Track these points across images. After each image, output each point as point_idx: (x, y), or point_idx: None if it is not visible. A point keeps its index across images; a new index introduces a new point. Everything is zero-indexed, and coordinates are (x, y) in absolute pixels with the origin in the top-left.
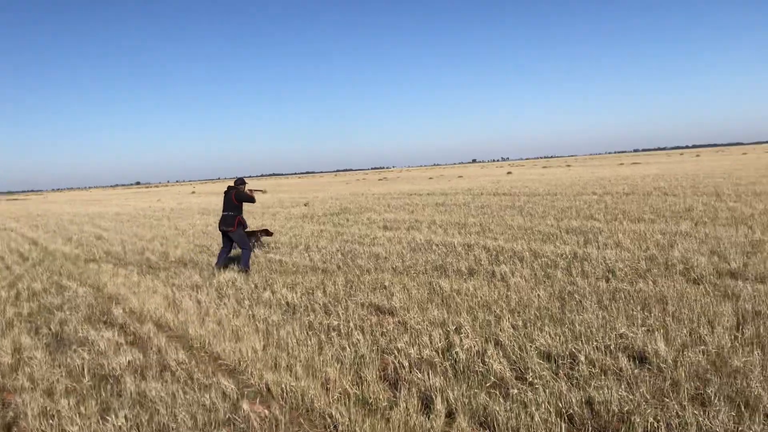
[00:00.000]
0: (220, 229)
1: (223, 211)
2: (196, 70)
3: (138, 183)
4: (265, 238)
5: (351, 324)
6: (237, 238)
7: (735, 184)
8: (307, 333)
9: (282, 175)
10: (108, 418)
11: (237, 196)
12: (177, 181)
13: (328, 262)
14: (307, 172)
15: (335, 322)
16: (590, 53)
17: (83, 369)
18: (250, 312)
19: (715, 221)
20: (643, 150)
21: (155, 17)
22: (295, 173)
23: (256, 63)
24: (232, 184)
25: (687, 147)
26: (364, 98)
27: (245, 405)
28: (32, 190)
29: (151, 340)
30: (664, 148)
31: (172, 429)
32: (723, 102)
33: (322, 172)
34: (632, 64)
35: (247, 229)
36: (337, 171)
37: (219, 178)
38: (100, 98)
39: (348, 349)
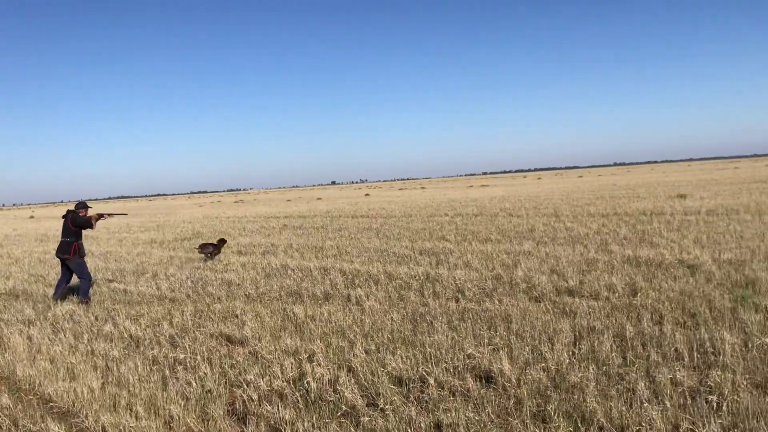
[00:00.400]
0: (57, 257)
1: (62, 237)
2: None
3: None
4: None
5: (198, 357)
6: (74, 266)
7: (572, 205)
8: (151, 368)
9: (131, 197)
10: None
11: (74, 221)
12: (14, 205)
13: (176, 290)
14: (159, 195)
15: (182, 356)
16: (442, 79)
17: None
18: (89, 347)
19: (554, 241)
20: (491, 173)
21: None
22: (146, 195)
23: (90, 82)
24: (72, 207)
25: (530, 170)
26: (222, 117)
27: None
28: None
29: None
30: (510, 171)
31: None
32: (560, 128)
33: (174, 194)
34: (477, 92)
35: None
36: (191, 193)
37: (62, 201)
38: None
39: (194, 383)
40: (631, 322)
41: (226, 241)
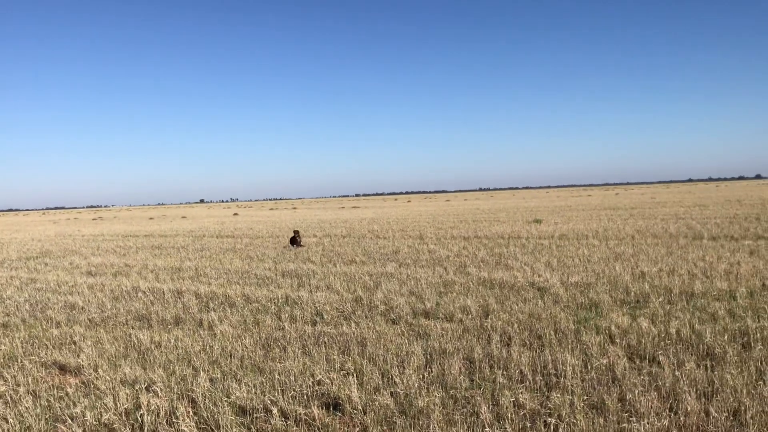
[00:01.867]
0: None
1: None
2: None
3: None
4: None
5: (22, 389)
6: None
7: (437, 228)
8: None
9: None
10: None
11: None
12: None
13: (11, 314)
14: (9, 210)
15: (2, 388)
16: (314, 98)
17: None
18: None
19: (417, 263)
20: (364, 195)
21: None
22: None
23: None
24: None
25: (402, 193)
26: (77, 121)
27: None
28: None
29: None
30: (381, 194)
31: None
32: (429, 153)
33: (28, 209)
34: (350, 113)
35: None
36: (47, 209)
37: None
38: None
39: (11, 419)
40: (481, 344)
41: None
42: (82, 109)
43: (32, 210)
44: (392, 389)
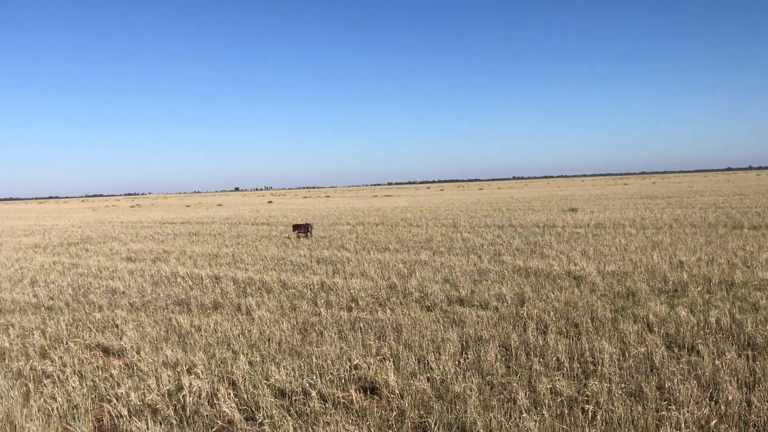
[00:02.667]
0: None
1: None
2: None
3: None
4: None
5: (69, 369)
6: None
7: (471, 216)
8: (14, 382)
9: (18, 199)
10: None
11: None
12: None
13: (55, 298)
14: (51, 197)
15: (50, 368)
16: (346, 89)
17: None
18: None
19: (450, 251)
20: (397, 183)
21: None
22: (36, 198)
23: None
24: None
25: (434, 182)
26: (116, 114)
27: None
28: None
29: None
30: (414, 182)
31: None
32: (463, 142)
33: (68, 197)
34: (384, 102)
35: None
36: (86, 196)
37: None
38: None
39: (59, 398)
40: (517, 331)
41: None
42: (120, 101)
43: (72, 197)
44: (428, 374)
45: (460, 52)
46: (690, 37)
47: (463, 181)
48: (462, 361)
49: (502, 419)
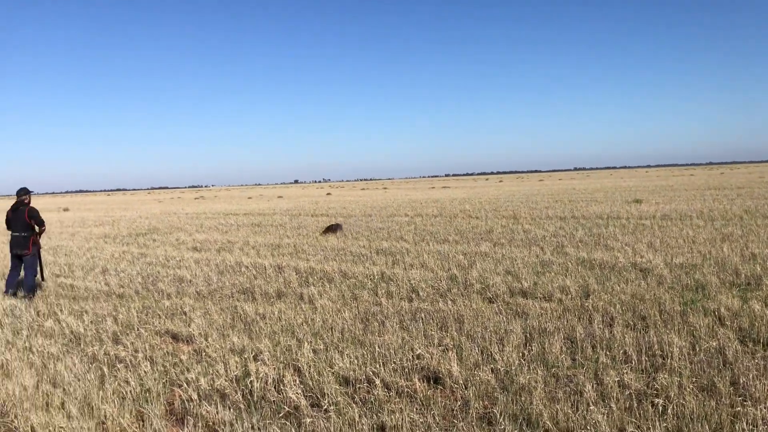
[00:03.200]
0: (12, 252)
1: (14, 231)
2: None
3: None
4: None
5: (140, 354)
6: (30, 260)
7: (531, 208)
8: (89, 366)
9: (89, 191)
10: None
11: (30, 215)
12: None
13: (125, 286)
14: (118, 189)
15: (123, 353)
16: (404, 84)
17: None
18: (27, 344)
19: (511, 242)
20: (454, 175)
21: None
22: (105, 190)
23: (46, 67)
24: (16, 199)
25: (492, 173)
26: (179, 111)
27: None
28: None
29: None
30: (472, 174)
31: None
32: (523, 133)
33: (135, 189)
34: (442, 94)
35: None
36: (152, 188)
37: (8, 195)
38: None
39: (132, 382)
40: (582, 324)
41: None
42: (184, 96)
43: (139, 189)
44: (492, 366)
45: (522, 41)
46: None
47: (522, 172)
48: (526, 353)
49: (569, 411)
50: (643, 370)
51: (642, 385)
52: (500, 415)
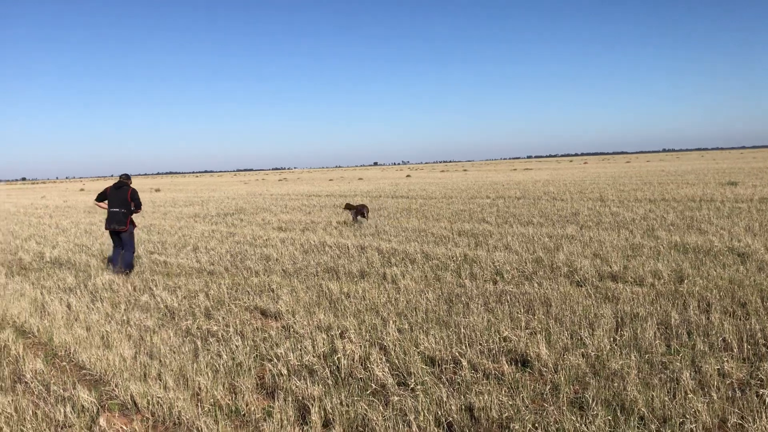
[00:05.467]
0: (108, 228)
1: (112, 207)
2: (86, 66)
3: (24, 179)
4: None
5: (231, 329)
6: (127, 237)
7: (619, 190)
8: (184, 339)
9: (178, 173)
10: None
11: (132, 196)
12: (66, 178)
13: (215, 263)
14: (206, 171)
15: (215, 328)
16: (485, 63)
17: None
18: (125, 317)
19: (599, 225)
20: (536, 156)
21: None
22: (193, 172)
23: (151, 60)
24: (117, 180)
25: (576, 154)
26: (266, 97)
27: (102, 420)
28: None
29: (8, 349)
30: (555, 155)
31: None
32: (610, 113)
33: (221, 171)
34: (524, 73)
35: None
36: (237, 171)
37: (112, 175)
38: None
39: (224, 356)
40: (677, 309)
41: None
42: (267, 80)
43: (224, 171)
44: (582, 350)
45: (610, 21)
46: None
47: (607, 154)
48: (617, 337)
49: (665, 398)
50: (744, 359)
51: (745, 375)
52: (592, 400)
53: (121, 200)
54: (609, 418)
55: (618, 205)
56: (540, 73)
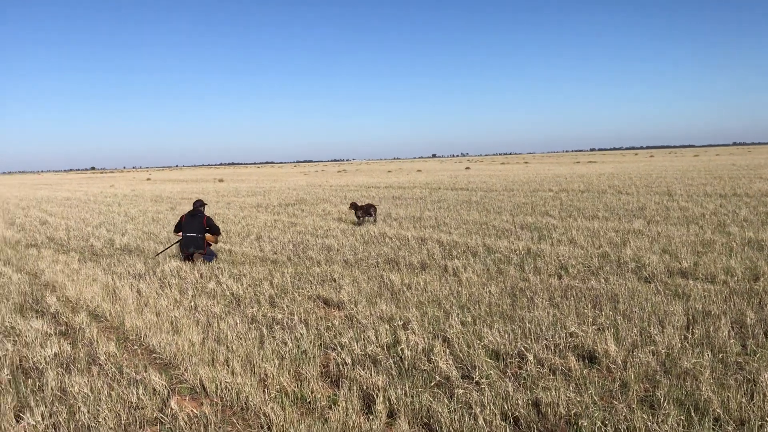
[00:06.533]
0: (186, 252)
1: (188, 232)
2: (155, 57)
3: (93, 168)
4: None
5: (296, 317)
6: (206, 257)
7: (687, 184)
8: (249, 326)
9: (241, 164)
10: (23, 415)
11: (209, 222)
12: (133, 167)
13: (278, 252)
14: (267, 162)
15: (280, 315)
16: (549, 54)
17: (4, 362)
18: (192, 303)
19: (667, 220)
20: (600, 149)
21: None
22: (255, 163)
23: (213, 55)
24: (193, 203)
25: (641, 147)
26: (326, 90)
27: (174, 403)
28: None
29: (83, 332)
30: (619, 148)
31: (92, 429)
32: (677, 105)
33: (281, 162)
34: (589, 65)
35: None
36: (297, 162)
37: (177, 166)
38: (53, 80)
39: (290, 343)
40: (753, 308)
41: (372, 206)
42: (327, 74)
43: (285, 162)
44: (652, 348)
45: (680, 9)
46: None
47: (674, 147)
48: (689, 336)
49: (742, 400)
50: None
51: None
52: (663, 398)
53: (197, 226)
54: (682, 417)
55: (686, 199)
56: (606, 64)
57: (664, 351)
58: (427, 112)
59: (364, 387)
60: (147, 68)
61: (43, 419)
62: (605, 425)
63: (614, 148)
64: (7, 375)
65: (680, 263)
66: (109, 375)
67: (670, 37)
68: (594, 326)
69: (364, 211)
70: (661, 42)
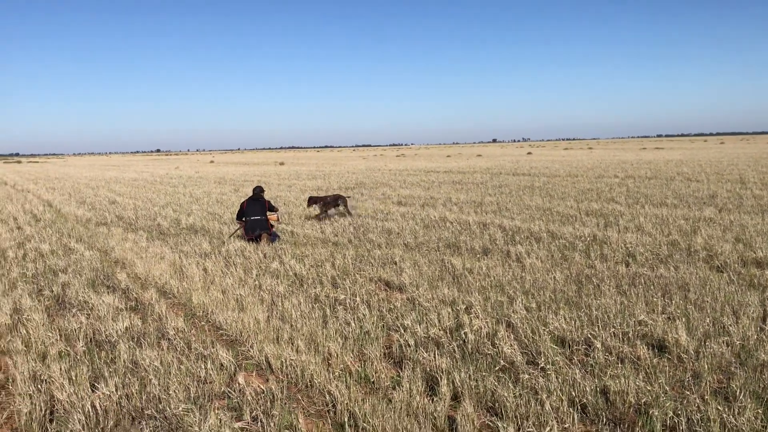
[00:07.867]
0: (252, 235)
1: (252, 215)
2: (217, 45)
3: (158, 150)
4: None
5: (358, 298)
6: (271, 238)
7: (761, 172)
8: (313, 306)
9: (300, 148)
10: (98, 386)
11: (270, 206)
12: (197, 150)
13: (339, 235)
14: (326, 146)
15: (342, 296)
16: (614, 38)
17: (79, 334)
18: (257, 282)
19: (740, 208)
20: (667, 135)
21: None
22: (314, 147)
23: (275, 40)
24: (254, 188)
25: (711, 134)
26: (386, 75)
27: (241, 378)
28: (54, 154)
29: (152, 307)
30: (687, 135)
31: (163, 400)
32: (750, 90)
33: (340, 146)
34: (657, 48)
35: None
36: (356, 146)
37: (239, 149)
38: (123, 65)
39: (353, 324)
40: None
41: (341, 197)
42: (387, 60)
43: (344, 147)
44: (726, 338)
45: None
46: None
47: (746, 133)
48: (766, 327)
49: None
50: None
51: None
52: (739, 391)
53: (260, 209)
54: (759, 411)
55: (761, 187)
56: (673, 47)
57: (738, 342)
58: (487, 96)
59: (428, 369)
60: (209, 56)
61: (116, 390)
62: (677, 415)
63: (682, 135)
64: (82, 346)
65: (755, 253)
66: (178, 349)
67: (743, 16)
68: (664, 315)
69: (324, 205)
70: (732, 19)
